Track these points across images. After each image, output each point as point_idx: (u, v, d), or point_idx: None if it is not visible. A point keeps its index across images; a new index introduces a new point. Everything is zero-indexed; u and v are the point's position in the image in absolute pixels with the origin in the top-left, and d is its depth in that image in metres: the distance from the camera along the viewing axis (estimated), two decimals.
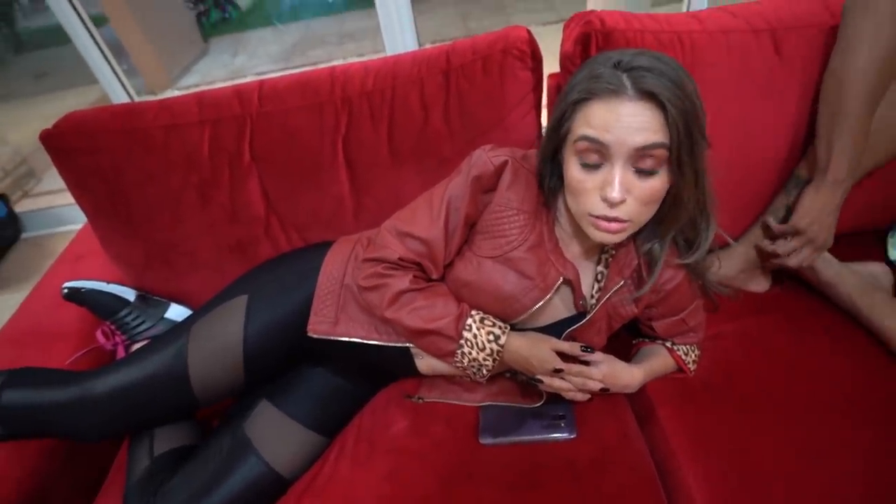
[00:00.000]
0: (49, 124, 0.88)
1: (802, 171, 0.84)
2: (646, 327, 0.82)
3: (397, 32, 1.76)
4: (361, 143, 0.88)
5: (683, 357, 0.80)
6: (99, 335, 0.92)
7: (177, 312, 0.95)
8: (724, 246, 0.88)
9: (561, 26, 0.91)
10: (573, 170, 0.60)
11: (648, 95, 0.54)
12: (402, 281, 0.72)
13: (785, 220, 0.84)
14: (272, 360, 0.81)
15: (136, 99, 1.97)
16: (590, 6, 2.47)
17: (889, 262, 0.92)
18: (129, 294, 0.93)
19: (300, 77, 0.91)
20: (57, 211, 2.23)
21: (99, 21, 3.80)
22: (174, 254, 0.93)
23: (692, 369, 0.81)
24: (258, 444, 0.75)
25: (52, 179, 2.75)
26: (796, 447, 0.70)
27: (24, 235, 2.19)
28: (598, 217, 0.59)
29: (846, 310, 0.85)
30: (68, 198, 2.45)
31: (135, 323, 0.92)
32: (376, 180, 0.89)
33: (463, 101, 0.85)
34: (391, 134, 0.87)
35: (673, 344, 0.80)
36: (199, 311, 0.83)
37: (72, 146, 0.86)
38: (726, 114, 0.83)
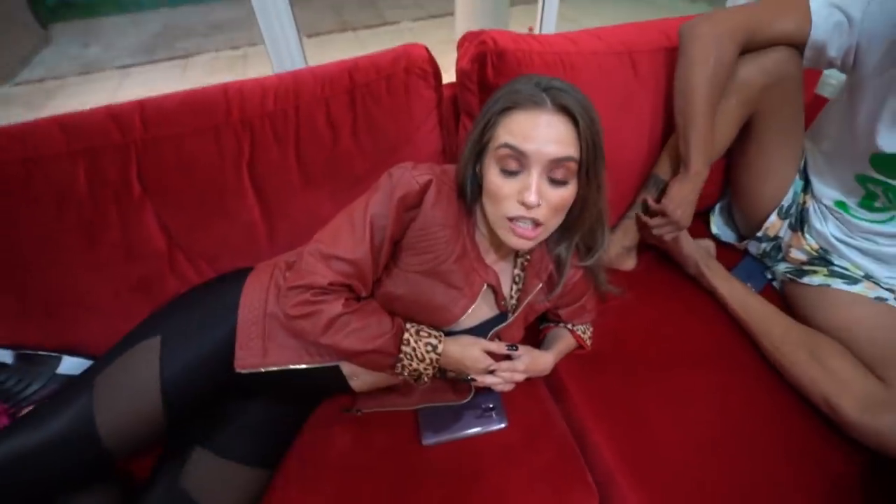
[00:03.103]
0: None
1: (659, 171, 0.92)
2: (551, 314, 0.84)
3: (275, 22, 1.54)
4: (269, 167, 0.76)
5: (582, 335, 0.84)
6: None
7: (72, 365, 0.76)
8: None
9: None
10: (493, 176, 0.58)
11: (564, 110, 0.56)
12: (335, 306, 0.64)
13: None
14: (196, 402, 0.68)
15: None
16: (458, 5, 2.43)
17: (712, 236, 1.06)
18: (6, 356, 0.72)
19: (187, 96, 0.74)
20: None
21: None
22: (59, 303, 0.73)
23: (589, 345, 0.85)
24: (197, 495, 0.64)
25: None
26: (667, 394, 0.79)
27: None
28: (514, 219, 0.58)
29: (694, 276, 0.96)
30: None
31: (18, 388, 0.72)
32: (289, 203, 0.78)
33: (371, 120, 0.77)
34: (300, 155, 0.76)
35: (573, 325, 0.84)
36: (103, 359, 0.67)
37: None
38: None
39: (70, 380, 0.74)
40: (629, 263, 1.02)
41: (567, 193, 0.58)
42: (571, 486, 0.69)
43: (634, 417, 0.76)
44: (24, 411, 0.72)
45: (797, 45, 0.78)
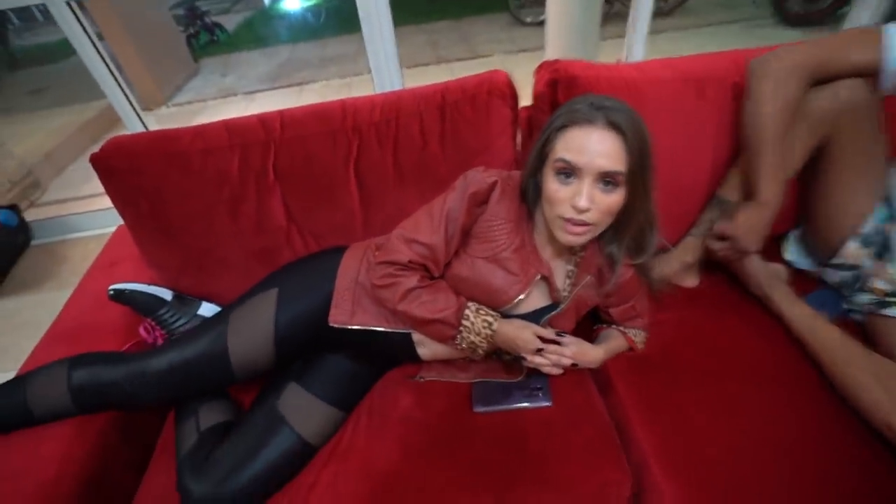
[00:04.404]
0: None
1: (723, 192, 0.97)
2: (604, 314, 0.92)
3: (381, 55, 1.79)
4: (371, 166, 0.95)
5: (634, 338, 0.91)
6: (141, 330, 0.95)
7: (208, 309, 0.99)
8: (664, 250, 1.00)
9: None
10: (550, 182, 0.70)
11: (614, 126, 0.65)
12: (411, 280, 0.79)
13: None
14: (298, 344, 0.87)
15: (140, 112, 1.91)
16: (548, 40, 2.59)
17: (784, 261, 1.07)
18: (167, 294, 0.97)
19: (315, 108, 0.97)
20: (63, 219, 2.18)
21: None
22: (207, 259, 0.97)
23: (640, 348, 0.92)
24: (290, 418, 0.81)
25: (57, 190, 2.66)
26: (713, 401, 0.82)
27: (34, 242, 2.13)
28: (567, 220, 0.69)
29: (759, 296, 0.98)
30: (73, 207, 2.39)
31: (172, 319, 0.95)
32: (383, 197, 0.97)
33: (456, 132, 0.94)
34: (396, 158, 0.94)
35: (625, 328, 0.91)
36: (235, 302, 0.88)
37: (117, 167, 0.89)
38: (661, 146, 0.91)
39: (206, 319, 0.97)
40: (691, 280, 1.06)
41: (616, 198, 0.68)
42: (606, 464, 0.76)
43: (677, 418, 0.80)
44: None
45: (869, 75, 0.82)
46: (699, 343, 0.93)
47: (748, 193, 0.92)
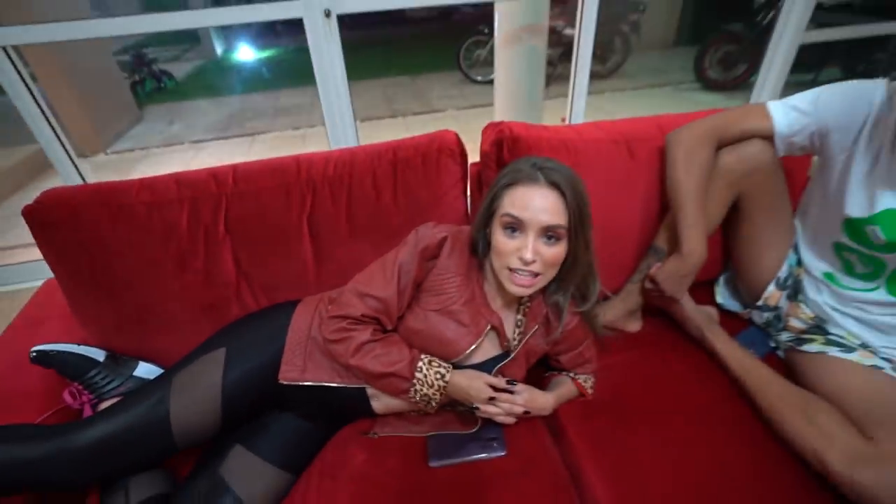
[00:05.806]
0: None
1: (658, 242, 1.08)
2: (553, 361, 0.97)
3: (335, 107, 1.86)
4: (324, 219, 0.98)
5: (583, 384, 0.96)
6: (66, 395, 0.89)
7: (146, 370, 0.96)
8: (605, 299, 1.09)
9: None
10: (498, 235, 0.76)
11: (554, 185, 0.73)
12: (364, 333, 0.82)
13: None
14: (246, 406, 0.85)
15: (75, 159, 1.85)
16: (497, 99, 2.80)
17: (716, 304, 1.18)
18: (99, 354, 0.93)
19: (269, 163, 1.00)
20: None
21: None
22: (148, 316, 0.94)
23: (590, 393, 0.97)
24: (233, 483, 0.78)
25: None
26: (660, 441, 0.87)
27: None
28: (514, 270, 0.75)
29: (695, 337, 1.07)
30: (15, 257, 2.21)
31: (103, 382, 0.91)
32: (336, 249, 0.99)
33: (408, 187, 1.00)
34: (350, 212, 0.99)
35: (575, 374, 0.96)
36: (179, 363, 0.86)
37: (54, 220, 0.87)
38: (597, 201, 1.01)
39: (144, 381, 0.93)
40: (634, 325, 1.14)
41: (559, 250, 0.76)
42: None
43: (627, 459, 0.84)
44: (103, 404, 0.91)
45: (767, 138, 0.96)
46: (644, 384, 0.99)
47: (674, 245, 1.03)
